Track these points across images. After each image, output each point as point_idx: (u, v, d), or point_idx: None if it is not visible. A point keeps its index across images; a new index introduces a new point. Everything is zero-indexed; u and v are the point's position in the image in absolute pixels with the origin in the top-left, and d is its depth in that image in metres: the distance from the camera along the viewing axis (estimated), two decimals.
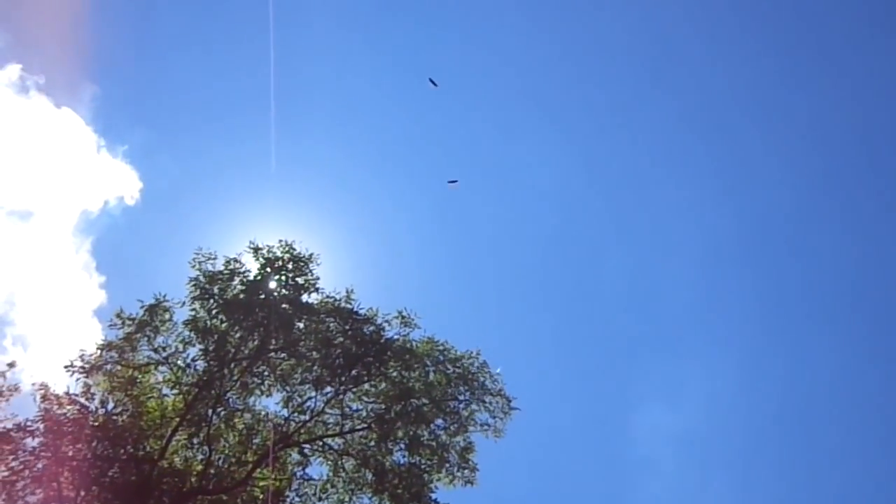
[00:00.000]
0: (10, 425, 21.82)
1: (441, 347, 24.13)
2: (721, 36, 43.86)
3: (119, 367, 22.98)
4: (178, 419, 22.69)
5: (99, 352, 22.95)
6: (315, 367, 23.49)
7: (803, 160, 44.68)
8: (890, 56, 42.81)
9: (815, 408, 42.50)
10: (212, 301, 23.25)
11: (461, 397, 24.06)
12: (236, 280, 23.60)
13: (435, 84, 24.77)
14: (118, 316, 23.19)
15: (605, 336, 44.40)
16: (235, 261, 23.69)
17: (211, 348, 22.90)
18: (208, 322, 23.09)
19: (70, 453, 21.91)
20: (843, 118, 43.58)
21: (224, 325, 23.11)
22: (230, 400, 23.34)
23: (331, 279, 24.25)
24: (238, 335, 23.13)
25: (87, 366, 22.79)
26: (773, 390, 43.16)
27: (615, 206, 45.79)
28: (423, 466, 23.55)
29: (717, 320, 44.65)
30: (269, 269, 23.65)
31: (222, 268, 23.65)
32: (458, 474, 23.71)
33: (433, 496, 23.17)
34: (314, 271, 23.94)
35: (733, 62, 44.11)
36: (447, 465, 23.64)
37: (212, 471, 22.91)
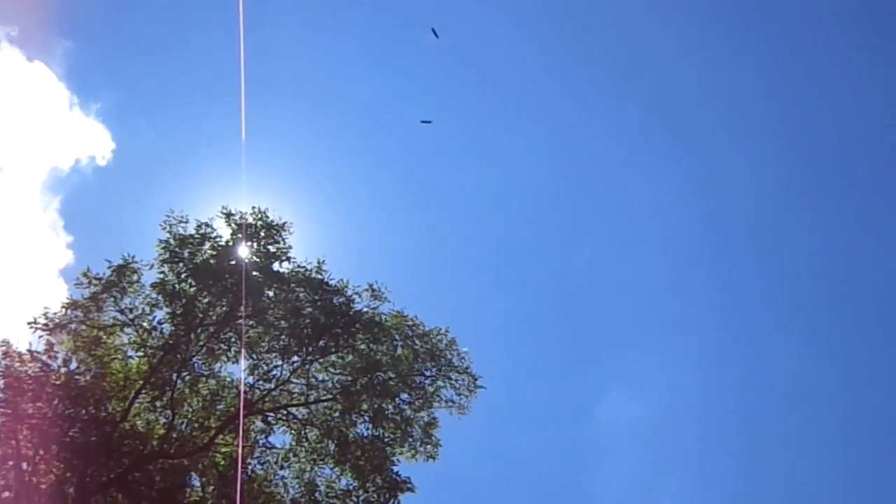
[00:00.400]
0: None
1: (410, 322, 24.06)
2: (693, 29, 43.99)
3: (84, 327, 22.73)
4: (141, 382, 22.52)
5: (63, 310, 22.69)
6: (283, 336, 23.41)
7: (769, 154, 45.12)
8: (862, 51, 43.28)
9: (774, 399, 43.26)
10: (181, 265, 23.02)
11: (427, 373, 24.08)
12: (207, 245, 23.35)
13: (437, 35, 24.38)
14: (84, 275, 22.91)
15: (569, 322, 44.67)
16: (207, 225, 23.42)
17: (178, 312, 22.71)
18: (176, 286, 22.88)
19: (30, 411, 21.68)
20: (812, 113, 44.12)
21: (192, 289, 22.91)
22: (195, 365, 23.19)
23: (302, 249, 24.13)
24: (206, 300, 22.96)
25: (50, 324, 22.51)
26: (733, 381, 43.84)
27: (582, 194, 45.99)
28: (386, 439, 23.63)
29: (680, 310, 45.15)
30: (240, 236, 23.46)
31: (193, 232, 23.40)
32: (421, 449, 23.82)
33: (395, 469, 23.30)
34: (286, 240, 23.82)
35: (704, 55, 44.29)
36: (410, 439, 23.73)
37: (174, 435, 22.80)
